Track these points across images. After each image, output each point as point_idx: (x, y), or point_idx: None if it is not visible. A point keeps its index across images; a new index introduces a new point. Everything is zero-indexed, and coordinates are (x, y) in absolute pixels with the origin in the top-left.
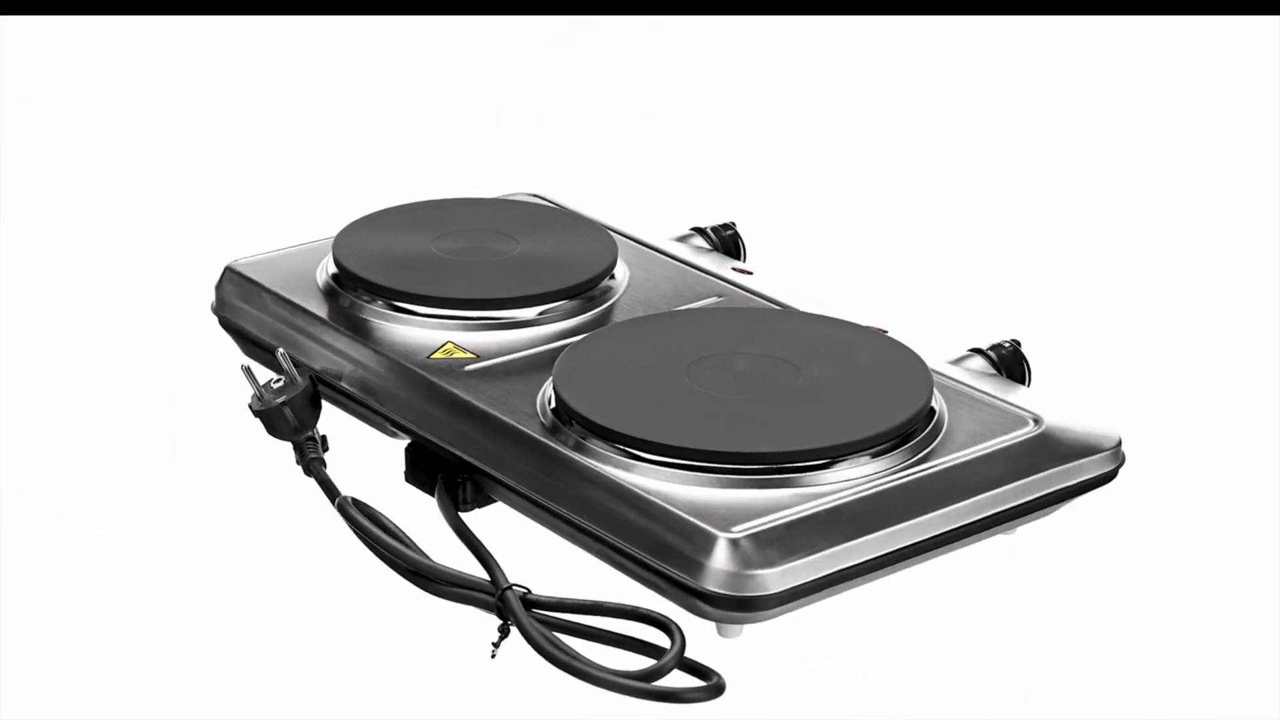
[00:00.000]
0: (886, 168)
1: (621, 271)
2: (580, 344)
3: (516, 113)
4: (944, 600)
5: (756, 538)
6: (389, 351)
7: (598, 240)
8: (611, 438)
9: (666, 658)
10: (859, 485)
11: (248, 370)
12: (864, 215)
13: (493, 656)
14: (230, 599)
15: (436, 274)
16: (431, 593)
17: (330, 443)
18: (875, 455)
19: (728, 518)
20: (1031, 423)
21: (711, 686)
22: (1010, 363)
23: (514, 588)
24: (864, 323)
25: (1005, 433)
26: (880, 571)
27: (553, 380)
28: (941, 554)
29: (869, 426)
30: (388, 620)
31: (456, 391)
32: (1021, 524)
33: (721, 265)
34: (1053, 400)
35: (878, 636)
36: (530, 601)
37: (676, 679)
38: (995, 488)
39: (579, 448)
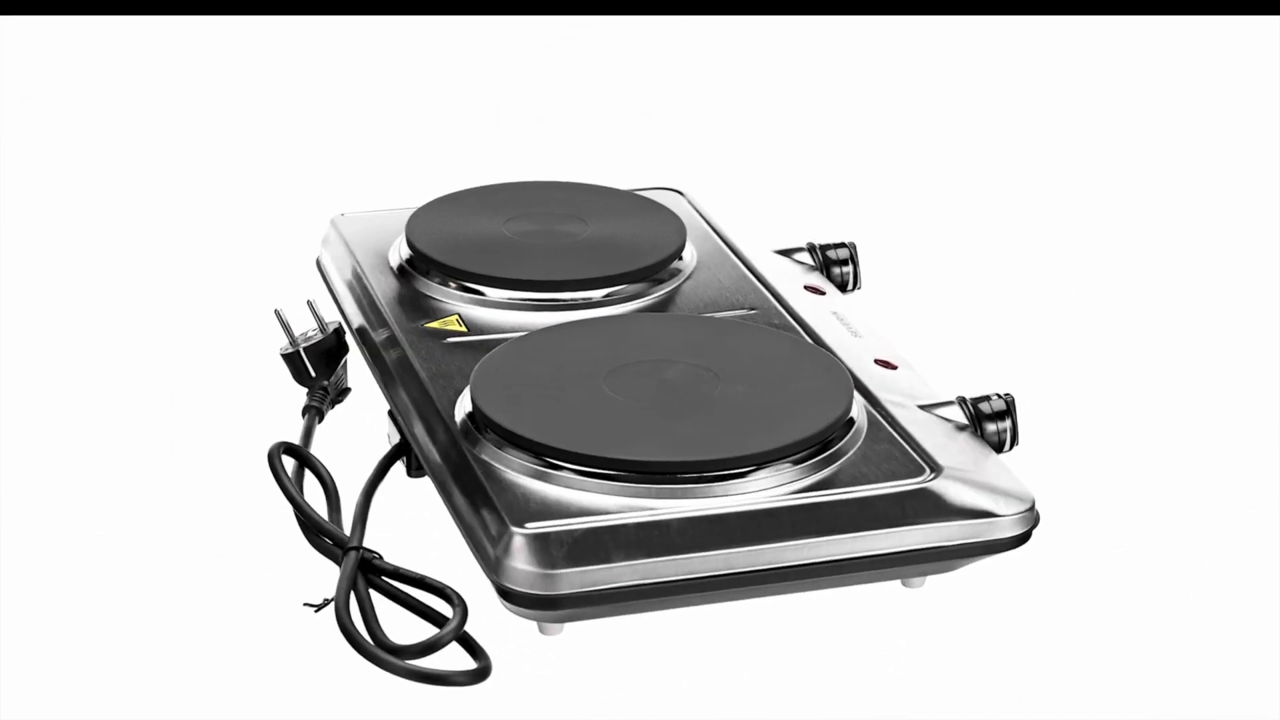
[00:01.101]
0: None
1: (690, 258)
2: (508, 345)
3: (663, 108)
4: (809, 635)
5: (547, 538)
6: (394, 314)
7: (666, 225)
8: (492, 427)
9: (446, 629)
10: (744, 499)
11: (279, 314)
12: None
13: (315, 611)
14: (228, 595)
15: (505, 256)
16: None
17: (350, 399)
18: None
19: (538, 514)
20: (928, 471)
21: (476, 670)
22: (980, 417)
23: (360, 550)
24: (882, 355)
25: (894, 478)
26: (723, 593)
27: (471, 380)
28: (831, 587)
29: (759, 443)
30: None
31: (412, 358)
32: (927, 574)
33: (794, 282)
34: (1002, 458)
35: (709, 657)
36: (372, 566)
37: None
38: (844, 531)
39: (469, 434)
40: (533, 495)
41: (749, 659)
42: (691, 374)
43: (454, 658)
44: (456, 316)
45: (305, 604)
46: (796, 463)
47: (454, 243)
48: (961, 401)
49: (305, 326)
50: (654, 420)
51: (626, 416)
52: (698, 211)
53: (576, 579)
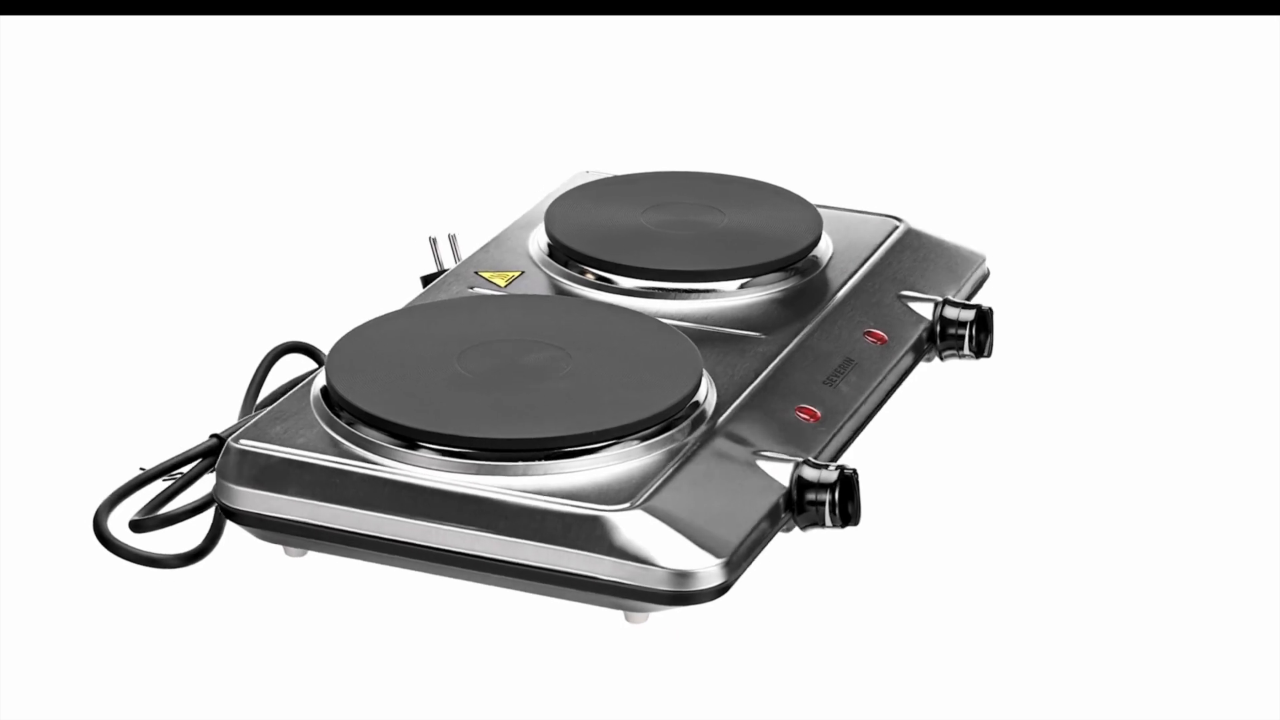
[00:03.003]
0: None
1: (826, 248)
2: (364, 327)
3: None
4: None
5: (246, 455)
6: None
7: (802, 216)
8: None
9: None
10: (433, 474)
11: (433, 241)
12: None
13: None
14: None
15: (641, 245)
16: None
17: None
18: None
19: (259, 436)
20: (622, 503)
21: (187, 554)
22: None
23: (234, 437)
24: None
25: (590, 500)
26: (414, 562)
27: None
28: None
29: (512, 430)
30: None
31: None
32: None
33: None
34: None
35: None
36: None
37: None
38: (500, 532)
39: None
40: (287, 425)
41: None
42: (546, 355)
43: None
44: (520, 273)
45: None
46: (532, 458)
47: (592, 232)
48: (799, 462)
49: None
50: (474, 396)
51: (447, 390)
52: None
53: (254, 500)
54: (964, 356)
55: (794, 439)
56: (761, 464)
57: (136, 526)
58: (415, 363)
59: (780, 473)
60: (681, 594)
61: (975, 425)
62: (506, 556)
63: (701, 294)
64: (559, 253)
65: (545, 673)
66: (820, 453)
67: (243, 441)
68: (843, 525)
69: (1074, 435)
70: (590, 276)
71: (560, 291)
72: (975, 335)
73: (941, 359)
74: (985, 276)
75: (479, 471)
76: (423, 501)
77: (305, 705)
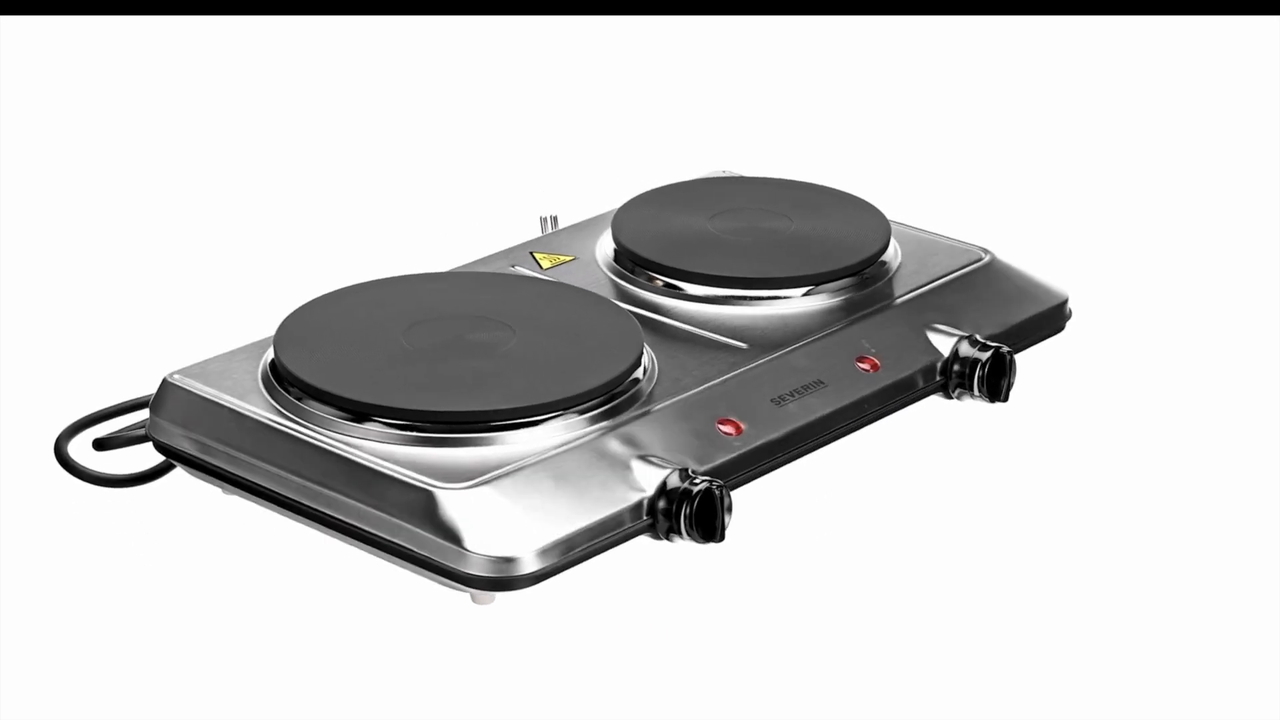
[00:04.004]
0: None
1: (894, 260)
2: (312, 303)
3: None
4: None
5: (179, 393)
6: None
7: (870, 225)
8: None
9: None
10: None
11: (542, 221)
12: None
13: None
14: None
15: (709, 251)
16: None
17: None
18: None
19: (198, 377)
20: (447, 483)
21: (131, 476)
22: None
23: (172, 373)
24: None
25: (437, 477)
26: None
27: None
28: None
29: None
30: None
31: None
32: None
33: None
34: None
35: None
36: None
37: None
38: (338, 490)
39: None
40: (231, 372)
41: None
42: (491, 332)
43: None
44: (572, 261)
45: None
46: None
47: (659, 238)
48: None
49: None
50: (407, 368)
51: (384, 360)
52: None
53: (176, 434)
54: (976, 398)
55: (695, 449)
56: (638, 466)
57: (99, 444)
58: (363, 333)
59: (650, 478)
60: (485, 579)
61: (936, 467)
62: (346, 518)
63: (764, 300)
64: (624, 258)
65: (371, 641)
66: (722, 466)
67: (178, 377)
68: (703, 540)
69: (1033, 498)
70: (659, 283)
71: (622, 295)
72: (987, 378)
73: (954, 397)
74: (1062, 317)
75: (382, 439)
76: (298, 457)
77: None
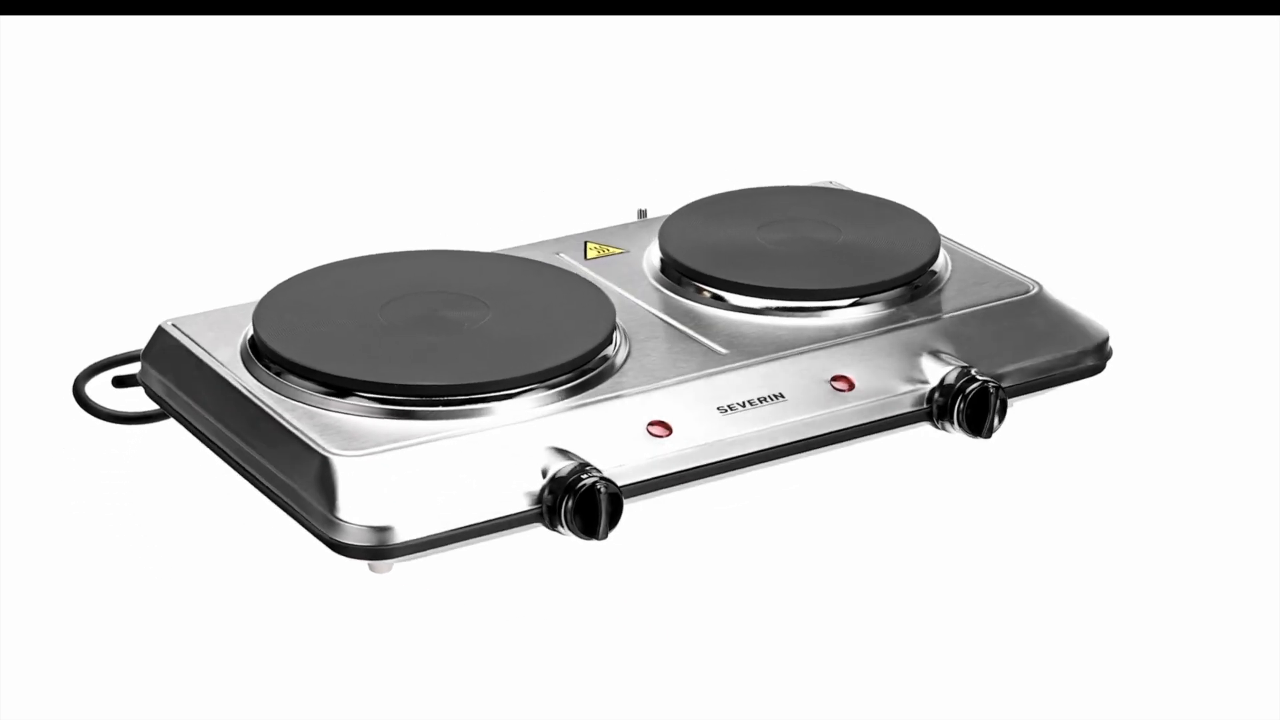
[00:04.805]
0: None
1: (943, 269)
2: (292, 280)
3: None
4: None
5: (170, 346)
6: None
7: (920, 238)
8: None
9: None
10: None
11: (641, 213)
12: None
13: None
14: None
15: (756, 262)
16: None
17: None
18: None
19: (182, 324)
20: (342, 451)
21: (133, 415)
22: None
23: (171, 320)
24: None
25: (344, 445)
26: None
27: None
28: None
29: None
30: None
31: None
32: None
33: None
34: None
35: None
36: None
37: None
38: (263, 452)
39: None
40: (221, 331)
41: None
42: (466, 308)
43: None
44: (616, 250)
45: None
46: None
47: (706, 249)
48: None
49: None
50: (381, 340)
51: (359, 332)
52: None
53: (157, 383)
54: (958, 431)
55: (621, 444)
56: (543, 456)
57: (118, 382)
58: (340, 309)
59: (551, 468)
60: (356, 547)
61: (896, 499)
62: (260, 476)
63: (811, 312)
64: (671, 269)
65: (264, 599)
66: (642, 466)
67: (172, 325)
68: (585, 536)
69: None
70: (707, 295)
71: (662, 300)
72: (968, 412)
73: (938, 427)
74: (1101, 357)
75: (344, 410)
76: (251, 420)
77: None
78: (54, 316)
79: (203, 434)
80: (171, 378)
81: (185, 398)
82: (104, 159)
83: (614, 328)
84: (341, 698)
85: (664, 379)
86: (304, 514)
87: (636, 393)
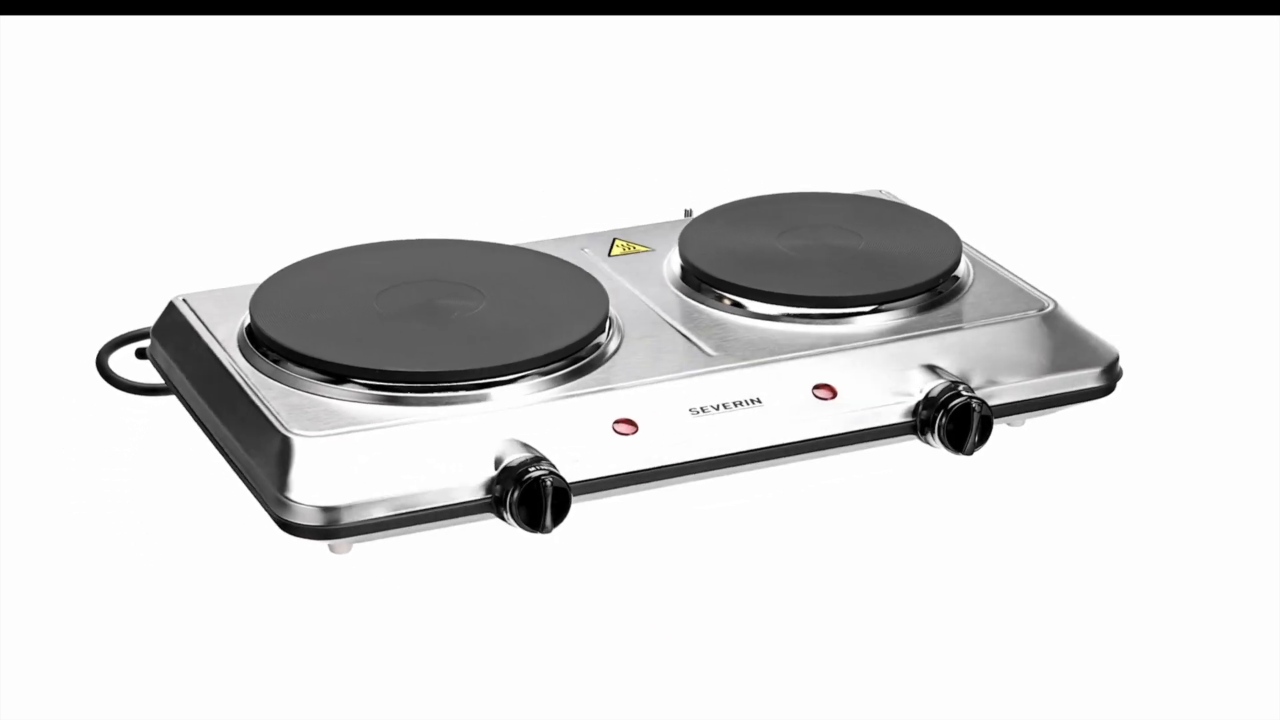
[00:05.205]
0: None
1: (965, 271)
2: (295, 265)
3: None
4: None
5: (175, 318)
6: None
7: (941, 240)
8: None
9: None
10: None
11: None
12: None
13: None
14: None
15: (775, 269)
16: None
17: None
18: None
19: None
20: (293, 430)
21: (149, 386)
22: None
23: (183, 296)
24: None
25: (295, 425)
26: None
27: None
28: None
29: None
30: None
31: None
32: None
33: None
34: None
35: None
36: None
37: None
38: (229, 423)
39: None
40: (228, 314)
41: None
42: (461, 297)
43: None
44: (646, 249)
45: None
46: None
47: (726, 256)
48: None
49: None
50: (373, 328)
51: (353, 319)
52: None
53: (161, 357)
54: (940, 446)
55: (574, 441)
56: (498, 446)
57: (140, 354)
58: (337, 295)
59: (504, 457)
60: (289, 524)
61: (874, 511)
62: (232, 455)
63: (826, 319)
64: (691, 275)
65: (223, 577)
66: (605, 463)
67: (183, 300)
68: (532, 530)
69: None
70: (727, 301)
71: (681, 307)
72: (948, 426)
73: (923, 441)
74: (1111, 378)
75: (335, 396)
76: (231, 400)
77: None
78: (86, 293)
79: (192, 410)
80: (173, 352)
81: (180, 373)
82: (155, 146)
83: (603, 323)
84: (278, 673)
85: (642, 377)
86: (260, 493)
87: (608, 389)
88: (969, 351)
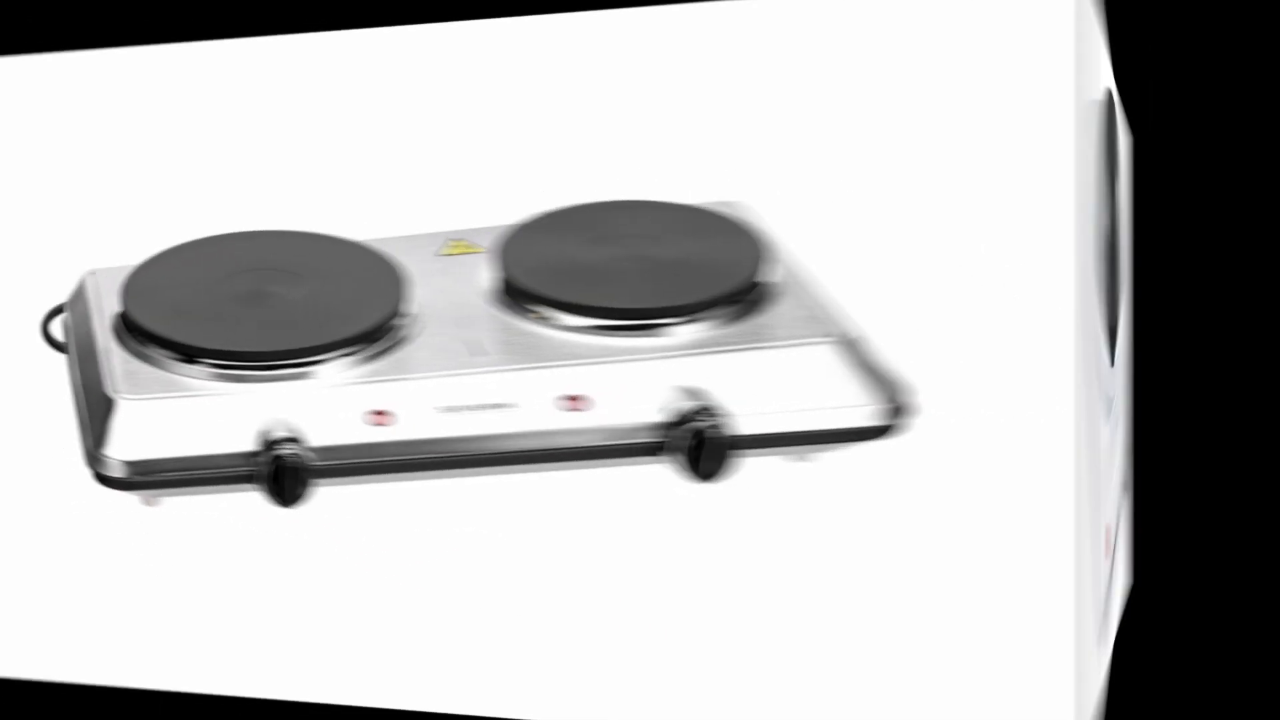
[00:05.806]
0: None
1: (776, 289)
2: (154, 258)
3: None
4: None
5: (82, 290)
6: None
7: (746, 253)
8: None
9: None
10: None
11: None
12: None
13: None
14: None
15: (581, 280)
16: None
17: None
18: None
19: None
20: (124, 392)
21: None
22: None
23: (93, 270)
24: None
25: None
26: None
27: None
28: None
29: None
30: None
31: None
32: None
33: None
34: None
35: None
36: None
37: None
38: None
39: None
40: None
41: None
42: (277, 278)
43: None
44: (478, 250)
45: None
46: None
47: (536, 267)
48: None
49: None
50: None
51: (214, 303)
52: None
53: (65, 328)
54: (682, 469)
55: (339, 425)
56: (267, 423)
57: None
58: (197, 281)
59: (263, 435)
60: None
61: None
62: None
63: (638, 330)
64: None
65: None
66: (348, 450)
67: (90, 274)
68: (282, 504)
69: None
70: (537, 313)
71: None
72: (690, 450)
73: (666, 460)
74: (899, 416)
75: (186, 374)
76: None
77: None
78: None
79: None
80: (70, 322)
81: (71, 343)
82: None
83: (391, 315)
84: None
85: (413, 372)
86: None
87: (375, 381)
88: (743, 374)
